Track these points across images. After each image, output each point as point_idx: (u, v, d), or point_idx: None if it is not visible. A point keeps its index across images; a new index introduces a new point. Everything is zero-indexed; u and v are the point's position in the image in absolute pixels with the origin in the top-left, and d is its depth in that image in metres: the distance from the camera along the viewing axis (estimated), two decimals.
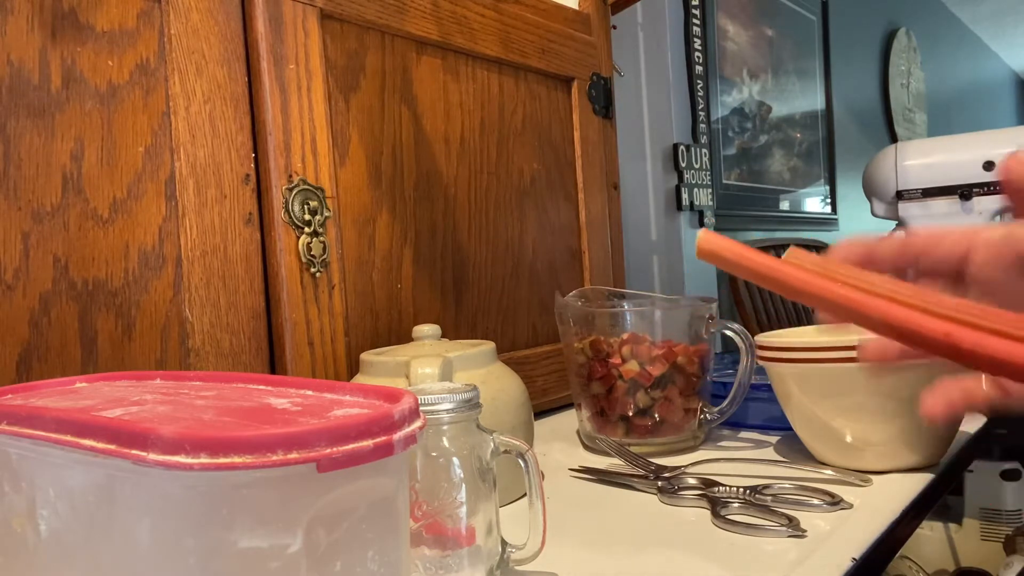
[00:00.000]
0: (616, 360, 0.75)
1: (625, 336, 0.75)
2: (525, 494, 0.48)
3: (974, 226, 0.40)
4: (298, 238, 0.70)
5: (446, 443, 0.45)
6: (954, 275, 0.39)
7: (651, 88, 2.00)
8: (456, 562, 0.44)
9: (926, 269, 0.39)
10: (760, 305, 2.15)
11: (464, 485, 0.44)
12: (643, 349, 0.74)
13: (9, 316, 0.55)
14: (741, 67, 2.43)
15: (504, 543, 0.47)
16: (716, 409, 0.76)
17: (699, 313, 0.76)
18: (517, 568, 0.48)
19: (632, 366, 0.74)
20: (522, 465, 0.46)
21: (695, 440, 0.76)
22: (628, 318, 0.77)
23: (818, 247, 2.52)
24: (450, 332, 0.86)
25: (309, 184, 0.71)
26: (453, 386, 0.48)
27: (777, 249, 2.33)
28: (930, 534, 1.22)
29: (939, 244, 0.39)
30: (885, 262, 0.39)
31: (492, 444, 0.46)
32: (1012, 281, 0.38)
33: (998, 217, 1.84)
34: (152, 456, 0.27)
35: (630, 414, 0.75)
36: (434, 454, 0.44)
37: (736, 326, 0.75)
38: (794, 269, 0.34)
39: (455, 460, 0.45)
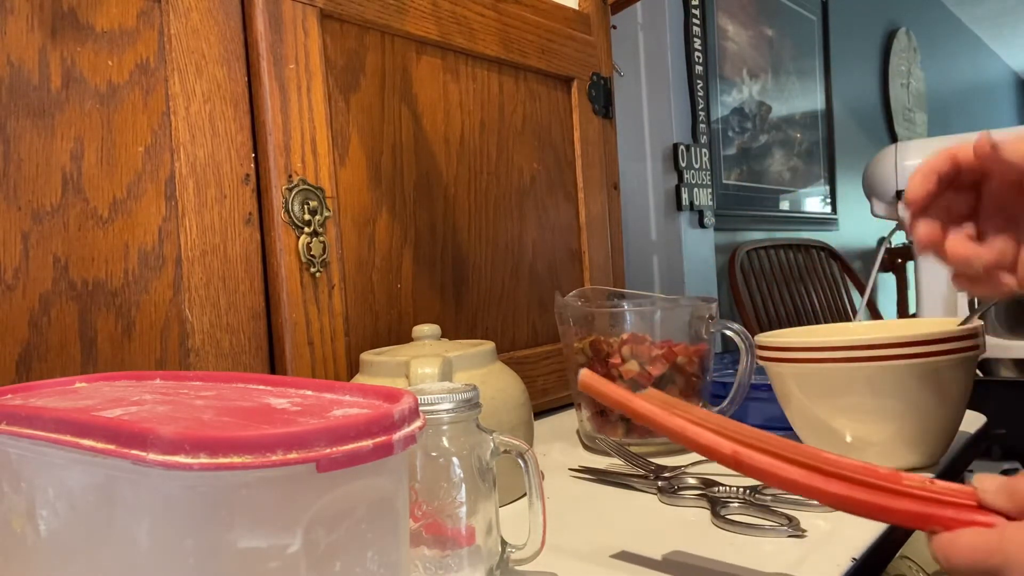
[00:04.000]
0: (616, 360, 0.74)
1: (625, 336, 0.75)
2: (525, 494, 0.48)
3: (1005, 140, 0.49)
4: (298, 238, 0.70)
5: (446, 443, 0.45)
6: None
7: (651, 88, 2.00)
8: (456, 562, 0.44)
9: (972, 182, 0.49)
10: (760, 305, 2.15)
11: (464, 485, 0.44)
12: (643, 349, 0.74)
13: (9, 316, 0.55)
14: (741, 67, 2.43)
15: (504, 543, 0.47)
16: (716, 409, 0.76)
17: (699, 313, 0.76)
18: (517, 568, 0.48)
19: (632, 366, 0.74)
20: (522, 465, 0.46)
21: None
22: (628, 318, 0.77)
23: (819, 247, 2.52)
24: (450, 332, 0.86)
25: (309, 184, 0.71)
26: (453, 386, 0.48)
27: (778, 249, 2.33)
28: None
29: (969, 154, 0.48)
30: (955, 177, 0.49)
31: (492, 444, 0.46)
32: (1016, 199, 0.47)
33: None
34: (152, 456, 0.27)
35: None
36: (434, 454, 0.44)
37: (736, 326, 0.75)
38: (642, 401, 0.46)
39: (455, 460, 0.45)
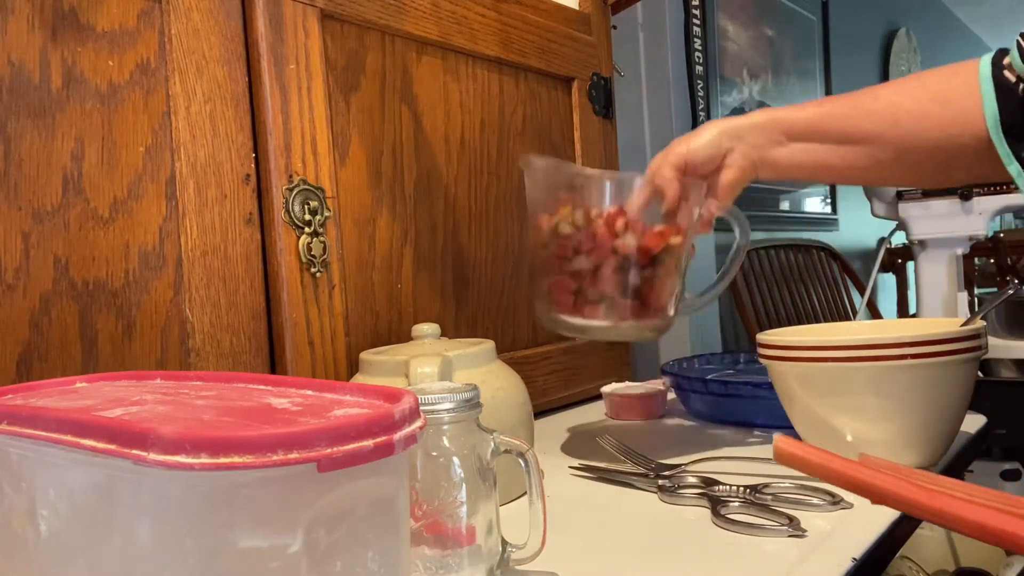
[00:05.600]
0: (608, 233, 0.67)
1: (612, 209, 0.68)
2: (525, 493, 0.48)
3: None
4: (298, 238, 0.70)
5: (446, 443, 0.45)
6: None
7: (651, 88, 2.00)
8: (456, 561, 0.44)
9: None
10: (760, 305, 2.15)
11: (464, 485, 0.44)
12: (640, 225, 0.68)
13: (9, 316, 0.55)
14: (741, 67, 2.43)
15: (504, 542, 0.47)
16: (698, 294, 0.73)
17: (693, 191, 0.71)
18: (517, 567, 0.48)
19: (629, 241, 0.67)
20: (522, 465, 0.46)
21: (665, 326, 0.72)
22: (615, 189, 0.69)
23: (819, 247, 2.52)
24: (450, 332, 0.86)
25: (309, 184, 0.71)
26: (453, 385, 0.48)
27: (778, 250, 2.33)
28: (930, 534, 1.22)
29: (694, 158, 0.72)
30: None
31: (492, 444, 0.46)
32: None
33: (998, 217, 1.84)
34: (152, 456, 0.27)
35: (615, 294, 0.68)
36: (434, 454, 0.44)
37: (732, 207, 0.71)
38: (873, 473, 0.37)
39: (455, 460, 0.45)
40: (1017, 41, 0.61)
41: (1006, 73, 0.62)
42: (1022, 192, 0.62)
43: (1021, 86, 0.61)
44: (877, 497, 0.36)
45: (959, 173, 0.67)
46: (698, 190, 0.70)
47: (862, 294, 2.40)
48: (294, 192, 0.70)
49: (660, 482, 0.63)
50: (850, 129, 0.68)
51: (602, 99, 1.11)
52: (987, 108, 0.62)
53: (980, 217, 1.47)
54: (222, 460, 0.27)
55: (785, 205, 2.67)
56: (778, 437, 0.42)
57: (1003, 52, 0.64)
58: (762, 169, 0.72)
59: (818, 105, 0.70)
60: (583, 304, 0.68)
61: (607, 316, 0.68)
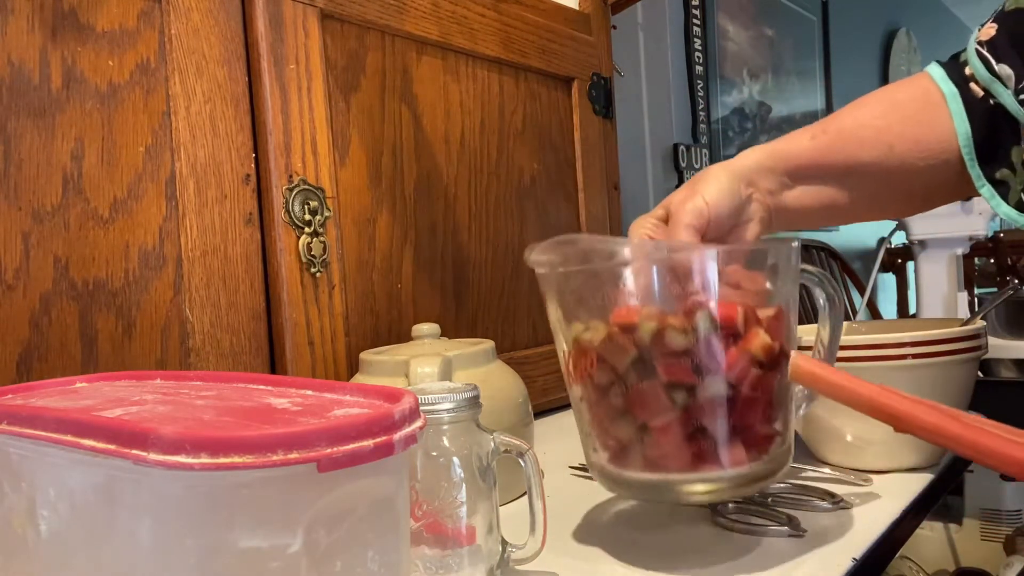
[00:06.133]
0: (732, 335, 0.46)
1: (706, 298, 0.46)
2: (525, 493, 0.48)
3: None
4: (298, 238, 0.70)
5: (446, 443, 0.45)
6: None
7: (651, 88, 2.00)
8: (456, 561, 0.44)
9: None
10: None
11: (464, 484, 0.44)
12: (755, 314, 0.47)
13: (9, 316, 0.55)
14: (741, 67, 2.43)
15: (504, 542, 0.47)
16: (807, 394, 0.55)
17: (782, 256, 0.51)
18: (517, 568, 0.48)
19: (764, 339, 0.46)
20: (522, 464, 0.46)
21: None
22: (712, 267, 0.47)
23: (819, 247, 2.52)
24: (450, 332, 0.86)
25: (309, 184, 0.71)
26: (453, 385, 0.48)
27: None
28: (930, 534, 1.22)
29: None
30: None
31: (492, 443, 0.46)
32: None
33: (998, 217, 1.84)
34: (152, 456, 0.27)
35: (760, 423, 0.47)
36: (434, 454, 0.44)
37: (814, 268, 0.54)
38: (893, 396, 0.36)
39: (455, 460, 0.45)
40: (976, 50, 0.58)
41: (972, 86, 0.58)
42: (995, 212, 0.60)
43: (991, 100, 0.57)
44: (897, 421, 0.36)
45: (942, 196, 0.64)
46: (790, 251, 0.50)
47: (862, 294, 2.40)
48: (294, 192, 0.70)
49: None
50: (849, 161, 0.62)
51: (602, 99, 1.11)
52: (959, 127, 0.58)
53: (980, 217, 1.48)
54: (222, 460, 0.27)
55: None
56: (796, 354, 0.41)
57: (956, 63, 0.60)
58: (776, 219, 0.62)
59: (811, 138, 0.63)
60: (712, 450, 0.46)
61: (750, 457, 0.47)
